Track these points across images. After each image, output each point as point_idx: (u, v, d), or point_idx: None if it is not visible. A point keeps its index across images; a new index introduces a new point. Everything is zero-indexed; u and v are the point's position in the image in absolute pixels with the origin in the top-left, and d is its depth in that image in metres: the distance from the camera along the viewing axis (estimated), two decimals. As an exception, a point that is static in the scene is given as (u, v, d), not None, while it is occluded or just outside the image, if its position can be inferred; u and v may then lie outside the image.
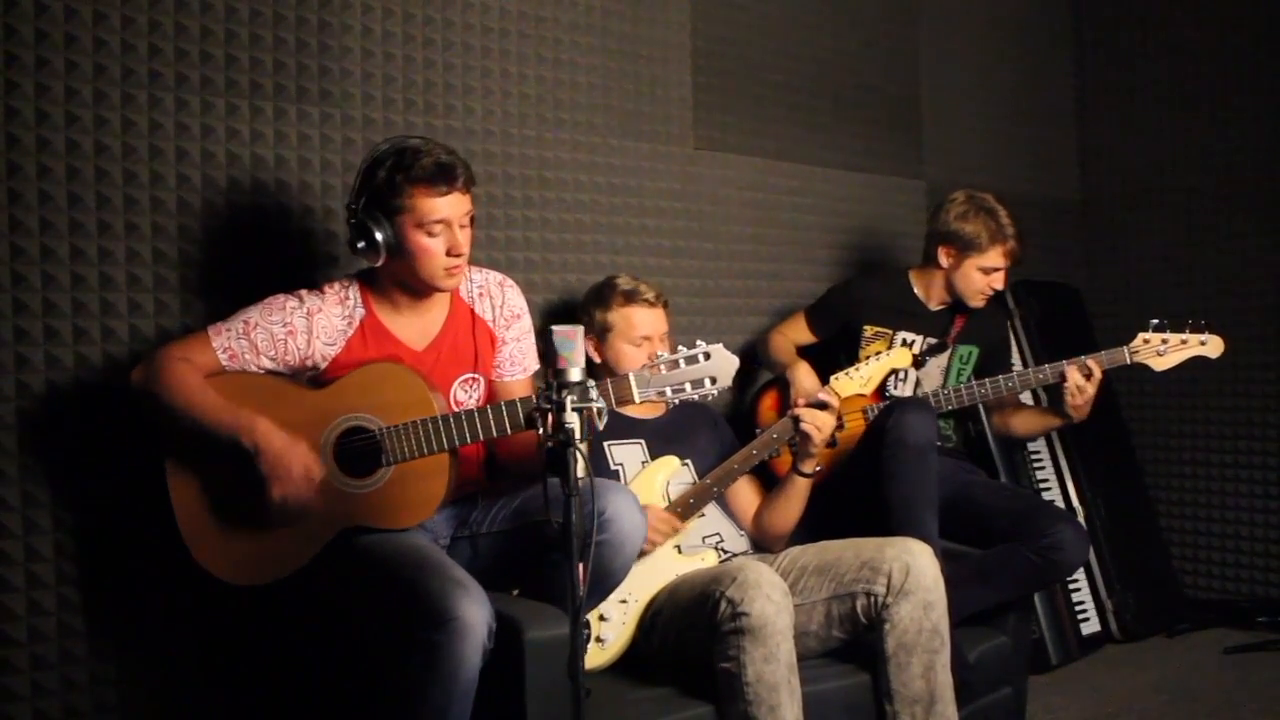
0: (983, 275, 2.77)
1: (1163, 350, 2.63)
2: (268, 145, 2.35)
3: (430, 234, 1.95)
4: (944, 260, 2.81)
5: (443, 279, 1.99)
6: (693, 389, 1.81)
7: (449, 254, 1.97)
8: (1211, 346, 2.64)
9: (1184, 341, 2.63)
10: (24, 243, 2.07)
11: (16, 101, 2.05)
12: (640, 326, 2.45)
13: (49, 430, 2.08)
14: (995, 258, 2.74)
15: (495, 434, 1.89)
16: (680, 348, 1.83)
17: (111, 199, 2.16)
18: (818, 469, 2.42)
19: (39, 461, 2.08)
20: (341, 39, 2.46)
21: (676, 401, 1.84)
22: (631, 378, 1.83)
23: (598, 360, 2.48)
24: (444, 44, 2.63)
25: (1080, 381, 2.62)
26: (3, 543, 2.04)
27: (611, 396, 1.83)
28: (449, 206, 1.95)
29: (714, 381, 1.81)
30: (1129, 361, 2.64)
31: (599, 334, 2.47)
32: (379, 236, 1.95)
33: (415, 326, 2.09)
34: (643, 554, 2.15)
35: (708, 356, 1.81)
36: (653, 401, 1.85)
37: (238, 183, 2.31)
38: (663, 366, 1.82)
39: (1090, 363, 2.62)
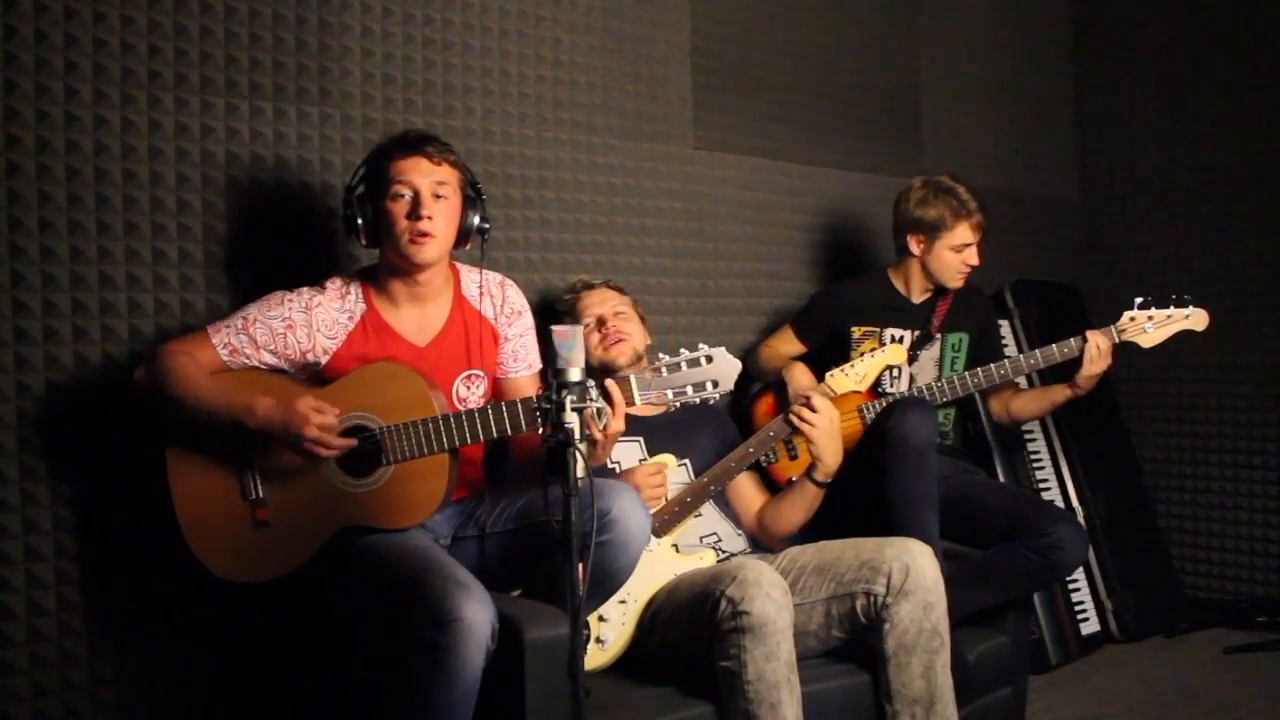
0: (955, 254, 2.78)
1: (1149, 327, 2.64)
2: (268, 145, 2.36)
3: (394, 198, 2.00)
4: (915, 249, 2.82)
5: (407, 245, 2.00)
6: (694, 392, 1.81)
7: (408, 217, 1.98)
8: (1196, 319, 2.66)
9: (1169, 316, 2.64)
10: (24, 243, 2.07)
11: (16, 101, 2.05)
12: (589, 308, 2.52)
13: (49, 430, 2.09)
14: (963, 233, 2.76)
15: (495, 434, 1.89)
16: (682, 350, 1.83)
17: (111, 199, 2.16)
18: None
19: (39, 461, 2.08)
20: (341, 39, 2.46)
21: (678, 405, 1.84)
22: (633, 380, 1.83)
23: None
24: (444, 44, 2.63)
25: (1105, 347, 2.62)
26: (3, 543, 2.04)
27: None
28: (411, 168, 2.00)
29: (716, 385, 1.81)
30: (1116, 340, 2.65)
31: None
32: (359, 219, 2.03)
33: (417, 322, 2.10)
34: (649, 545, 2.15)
35: (710, 360, 1.81)
36: (653, 404, 1.85)
37: (237, 183, 2.31)
38: (664, 369, 1.82)
39: (1114, 330, 2.64)
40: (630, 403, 1.84)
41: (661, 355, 1.85)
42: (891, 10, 3.70)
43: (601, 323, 2.49)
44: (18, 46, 2.06)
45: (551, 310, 2.74)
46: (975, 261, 2.80)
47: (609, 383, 1.82)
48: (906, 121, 3.73)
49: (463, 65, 2.66)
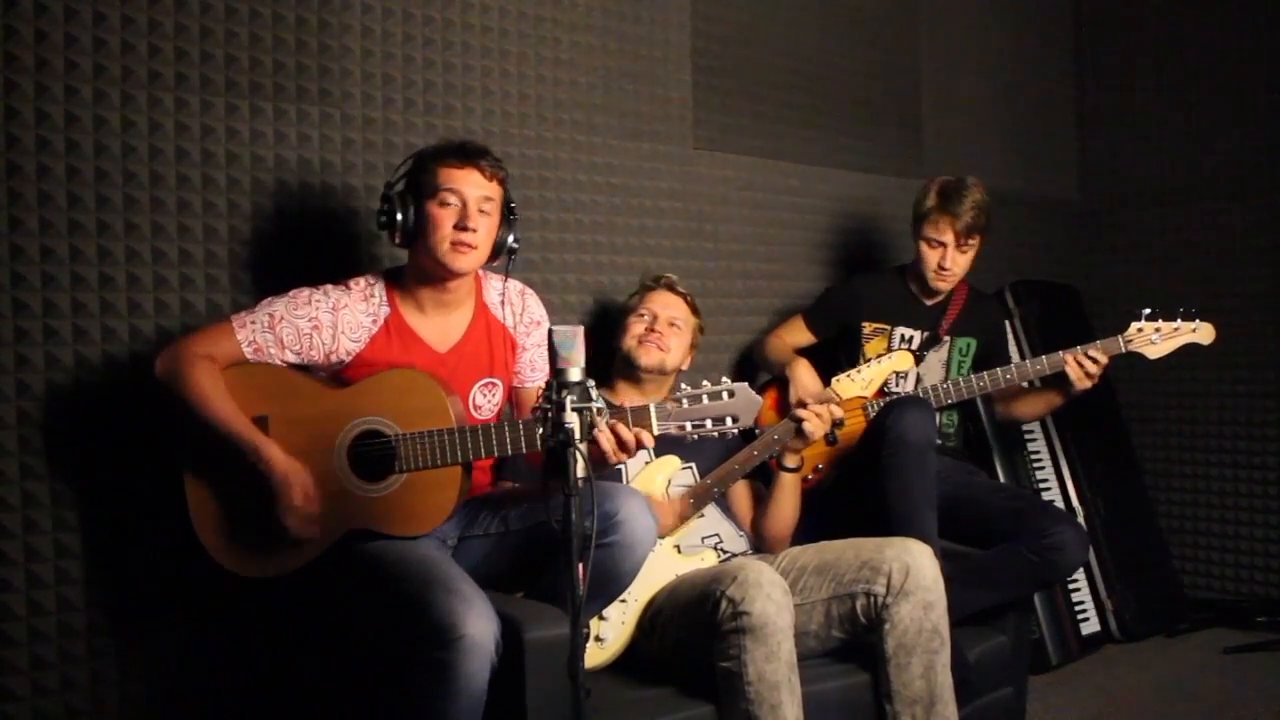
0: (929, 249, 2.78)
1: (1156, 339, 2.66)
2: (268, 145, 2.35)
3: (442, 204, 2.00)
4: (914, 242, 2.83)
5: (447, 252, 1.99)
6: (713, 425, 1.81)
7: (455, 227, 1.98)
8: (1203, 333, 2.68)
9: (1176, 329, 2.66)
10: (24, 243, 2.07)
11: (16, 101, 2.05)
12: (652, 302, 2.54)
13: (49, 430, 2.08)
14: (939, 227, 2.75)
15: (510, 452, 1.90)
16: (705, 382, 1.82)
17: (111, 199, 2.16)
18: (817, 469, 2.41)
19: (39, 461, 2.08)
20: (341, 39, 2.46)
21: (696, 437, 1.83)
22: (652, 409, 1.84)
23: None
24: (444, 44, 2.63)
25: (1082, 374, 2.63)
26: (3, 543, 2.04)
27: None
28: (462, 179, 2.00)
29: (735, 420, 1.80)
30: (1124, 350, 2.66)
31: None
32: (399, 215, 2.01)
33: (439, 328, 2.10)
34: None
35: (731, 394, 1.81)
36: (672, 435, 1.84)
37: (237, 183, 2.31)
38: (685, 400, 1.82)
39: (1094, 352, 2.63)
40: (650, 436, 1.83)
41: (683, 385, 1.85)
42: (892, 10, 3.70)
43: (654, 320, 2.49)
44: (18, 46, 2.05)
45: (551, 311, 2.75)
46: (949, 265, 2.77)
47: (643, 434, 1.83)
48: (907, 121, 3.73)
49: (463, 65, 2.66)
